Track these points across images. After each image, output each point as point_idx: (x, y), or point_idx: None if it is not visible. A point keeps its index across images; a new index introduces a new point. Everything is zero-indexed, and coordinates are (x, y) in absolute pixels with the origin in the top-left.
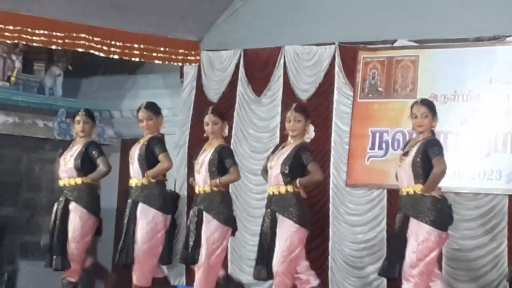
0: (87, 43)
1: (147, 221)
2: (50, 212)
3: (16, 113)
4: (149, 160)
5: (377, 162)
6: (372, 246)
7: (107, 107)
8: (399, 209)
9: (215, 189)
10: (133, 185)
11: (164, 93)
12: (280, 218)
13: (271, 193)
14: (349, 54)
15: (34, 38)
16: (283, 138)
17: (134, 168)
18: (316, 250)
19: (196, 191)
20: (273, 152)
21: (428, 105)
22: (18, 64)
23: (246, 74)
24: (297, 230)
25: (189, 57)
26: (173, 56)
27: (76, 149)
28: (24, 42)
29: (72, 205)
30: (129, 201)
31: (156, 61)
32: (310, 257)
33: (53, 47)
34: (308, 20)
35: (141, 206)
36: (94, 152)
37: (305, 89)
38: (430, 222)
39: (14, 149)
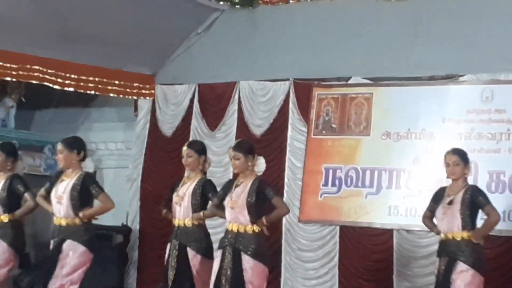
0: (41, 75)
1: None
2: None
3: None
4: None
5: (330, 198)
6: (324, 282)
7: (60, 139)
8: (442, 253)
9: (195, 222)
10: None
11: (118, 126)
12: (244, 257)
13: (235, 230)
14: (303, 90)
15: None
16: (236, 174)
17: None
18: (269, 286)
19: (175, 224)
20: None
21: (459, 154)
22: None
23: (200, 108)
24: (263, 270)
25: (143, 91)
26: (127, 90)
27: None
28: None
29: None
30: None
31: (111, 94)
32: None
33: (7, 78)
34: (263, 56)
35: None
36: (19, 186)
37: (259, 124)
38: (477, 267)
39: None
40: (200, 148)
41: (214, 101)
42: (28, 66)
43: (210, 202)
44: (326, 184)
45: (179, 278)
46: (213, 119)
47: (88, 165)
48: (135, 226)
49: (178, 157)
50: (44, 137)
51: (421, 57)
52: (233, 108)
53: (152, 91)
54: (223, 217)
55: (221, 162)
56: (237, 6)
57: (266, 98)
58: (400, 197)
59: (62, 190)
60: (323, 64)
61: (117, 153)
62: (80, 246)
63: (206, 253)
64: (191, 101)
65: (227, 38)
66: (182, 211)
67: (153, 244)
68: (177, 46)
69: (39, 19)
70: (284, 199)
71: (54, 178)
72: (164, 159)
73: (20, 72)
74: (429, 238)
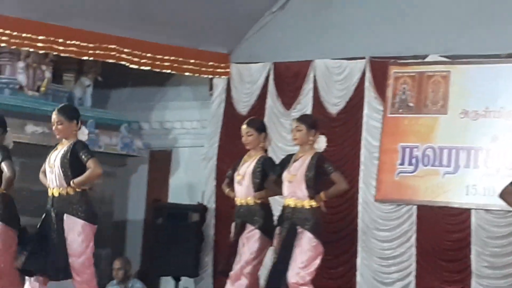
0: (117, 54)
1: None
2: None
3: (45, 123)
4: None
5: (406, 177)
6: (400, 262)
7: (136, 118)
8: None
9: (258, 201)
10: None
11: (193, 105)
12: (299, 231)
13: (292, 205)
14: (379, 68)
15: (65, 48)
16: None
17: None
18: (344, 265)
19: (237, 203)
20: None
21: None
22: (48, 74)
23: (276, 87)
24: (316, 245)
25: (218, 70)
26: (203, 69)
27: None
28: (55, 53)
29: None
30: None
31: (186, 73)
32: (338, 272)
33: (84, 57)
34: (339, 34)
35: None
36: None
37: (335, 103)
38: None
39: (43, 159)
40: (259, 126)
41: (289, 79)
42: (105, 45)
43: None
44: (402, 163)
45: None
46: (288, 98)
47: (83, 133)
48: (211, 205)
49: None
50: (121, 116)
51: (499, 34)
52: (308, 86)
53: (227, 70)
54: (280, 193)
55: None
56: None
57: (342, 76)
58: (478, 176)
59: (54, 159)
60: (399, 42)
61: (192, 132)
62: (78, 220)
63: (265, 231)
64: (266, 79)
65: (302, 16)
66: (243, 190)
67: (229, 223)
68: (252, 25)
69: None
70: (360, 178)
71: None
72: (239, 138)
73: (97, 51)
74: (509, 218)
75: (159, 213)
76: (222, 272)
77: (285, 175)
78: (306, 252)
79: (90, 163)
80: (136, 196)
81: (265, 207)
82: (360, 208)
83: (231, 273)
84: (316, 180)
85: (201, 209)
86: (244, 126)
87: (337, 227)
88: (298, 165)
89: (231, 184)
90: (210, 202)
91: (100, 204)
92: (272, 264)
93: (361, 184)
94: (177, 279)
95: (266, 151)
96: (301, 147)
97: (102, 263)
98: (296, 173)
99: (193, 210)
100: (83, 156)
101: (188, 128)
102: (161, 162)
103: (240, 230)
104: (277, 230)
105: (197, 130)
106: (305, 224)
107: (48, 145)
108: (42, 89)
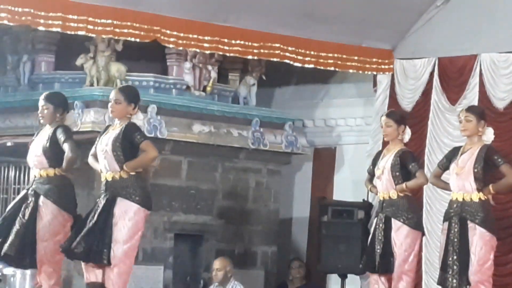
0: (281, 53)
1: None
2: (245, 221)
3: (212, 122)
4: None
5: None
6: None
7: (300, 116)
8: None
9: (401, 194)
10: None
11: (357, 102)
12: (471, 226)
13: (460, 199)
14: None
15: (230, 48)
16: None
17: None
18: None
19: (380, 197)
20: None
21: None
22: (213, 74)
23: (440, 82)
24: (490, 239)
25: (382, 66)
26: (366, 65)
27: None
28: (220, 53)
29: (41, 200)
30: None
31: (350, 70)
32: (507, 269)
33: (249, 57)
34: (505, 27)
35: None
36: (60, 136)
37: (502, 98)
38: None
39: (210, 158)
40: (398, 118)
41: (454, 74)
42: (269, 44)
43: (417, 172)
44: None
45: (386, 251)
46: (454, 93)
47: (138, 117)
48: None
49: (418, 132)
50: (285, 114)
51: None
52: (474, 81)
53: (391, 66)
54: (444, 187)
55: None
56: None
57: (509, 70)
58: None
59: (106, 142)
60: None
61: (356, 129)
62: (132, 204)
63: (415, 225)
64: (431, 75)
65: (466, 9)
66: (384, 185)
67: None
68: (416, 20)
69: None
70: None
71: (102, 133)
72: None
73: (262, 50)
74: None
75: (324, 211)
76: (371, 268)
77: (453, 168)
78: (482, 248)
79: (144, 146)
80: (301, 193)
81: (410, 200)
82: None
83: (393, 275)
84: (485, 172)
85: (367, 206)
86: (383, 117)
87: (507, 223)
88: (466, 157)
89: (371, 181)
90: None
91: (266, 202)
92: (444, 262)
93: None
94: (343, 277)
95: (405, 144)
96: (469, 139)
97: (270, 260)
98: (464, 166)
99: (358, 207)
100: (136, 139)
101: (352, 125)
102: (325, 160)
103: (386, 225)
104: (444, 225)
105: (361, 127)
106: (476, 218)
107: (215, 144)
108: (208, 89)
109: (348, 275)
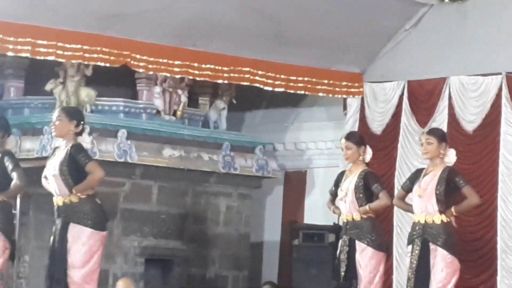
0: (251, 77)
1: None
2: (216, 245)
3: (182, 147)
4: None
5: None
6: None
7: (271, 140)
8: None
9: (364, 216)
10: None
11: (327, 125)
12: (432, 248)
13: (422, 221)
14: None
15: (200, 72)
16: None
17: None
18: (484, 284)
19: (343, 219)
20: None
21: None
22: (183, 98)
23: (410, 105)
24: (452, 261)
25: (352, 89)
26: (336, 89)
27: None
28: (190, 77)
29: None
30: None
31: (320, 94)
32: None
33: (219, 81)
34: (473, 50)
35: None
36: (8, 164)
37: (471, 120)
38: None
39: (180, 182)
40: (358, 139)
41: (424, 97)
42: (239, 68)
43: (380, 193)
44: None
45: (349, 274)
46: (423, 116)
47: (85, 140)
48: None
49: (388, 154)
50: (255, 137)
51: None
52: (443, 104)
53: (361, 89)
54: (407, 209)
55: None
56: (446, 0)
57: (477, 93)
58: None
59: (54, 166)
60: None
61: (327, 152)
62: (84, 229)
63: (379, 247)
64: (400, 98)
65: (435, 33)
66: (347, 206)
67: None
68: (385, 43)
69: (250, 22)
70: (499, 196)
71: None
72: (374, 157)
73: (232, 75)
74: None
75: (295, 234)
76: None
77: (415, 190)
78: (443, 270)
79: (90, 168)
80: (272, 217)
81: (372, 222)
82: (499, 226)
83: None
84: (447, 194)
85: (337, 229)
86: (342, 140)
87: (475, 246)
88: (428, 179)
89: (334, 202)
90: None
91: (237, 226)
92: (409, 284)
93: (499, 202)
94: None
95: (367, 164)
96: (431, 161)
97: (241, 285)
98: (427, 188)
99: (329, 230)
100: (80, 161)
101: (323, 149)
102: (296, 183)
103: (349, 247)
104: (408, 248)
105: (332, 150)
106: (437, 240)
107: (185, 168)
108: (179, 113)
109: None
